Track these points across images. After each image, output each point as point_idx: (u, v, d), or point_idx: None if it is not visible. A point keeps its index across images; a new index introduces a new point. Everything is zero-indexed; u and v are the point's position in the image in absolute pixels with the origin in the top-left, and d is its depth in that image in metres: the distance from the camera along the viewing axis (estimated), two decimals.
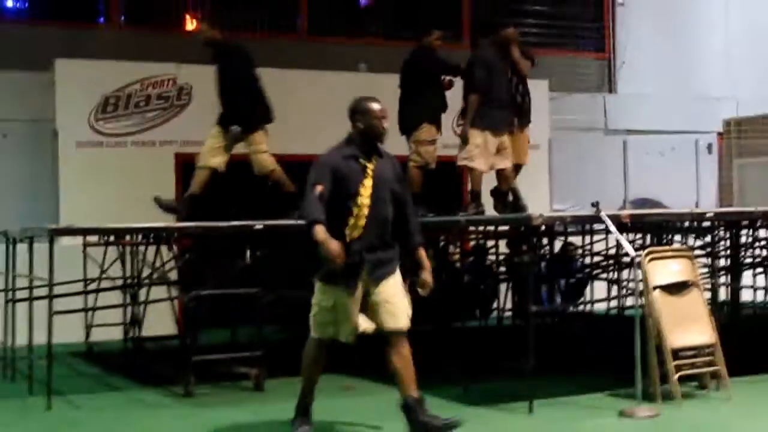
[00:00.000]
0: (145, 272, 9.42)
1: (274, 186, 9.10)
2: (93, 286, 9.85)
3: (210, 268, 8.33)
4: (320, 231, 5.65)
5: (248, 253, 8.44)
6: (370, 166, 5.99)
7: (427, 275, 6.11)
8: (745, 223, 10.50)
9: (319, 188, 5.80)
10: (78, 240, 9.53)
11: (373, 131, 6.07)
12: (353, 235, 5.87)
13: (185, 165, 10.99)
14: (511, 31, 9.73)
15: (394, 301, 5.99)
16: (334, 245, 5.65)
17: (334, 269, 5.74)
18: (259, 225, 7.89)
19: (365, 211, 5.90)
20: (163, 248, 9.07)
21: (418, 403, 5.97)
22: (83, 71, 11.76)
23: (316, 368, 6.12)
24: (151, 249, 9.22)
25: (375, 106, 6.12)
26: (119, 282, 9.88)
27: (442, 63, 9.78)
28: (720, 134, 14.97)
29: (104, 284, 9.88)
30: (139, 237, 9.26)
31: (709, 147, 14.53)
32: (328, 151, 6.11)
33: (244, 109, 8.94)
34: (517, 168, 9.76)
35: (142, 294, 9.79)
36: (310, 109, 12.07)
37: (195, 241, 8.79)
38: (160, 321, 9.80)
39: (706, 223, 10.48)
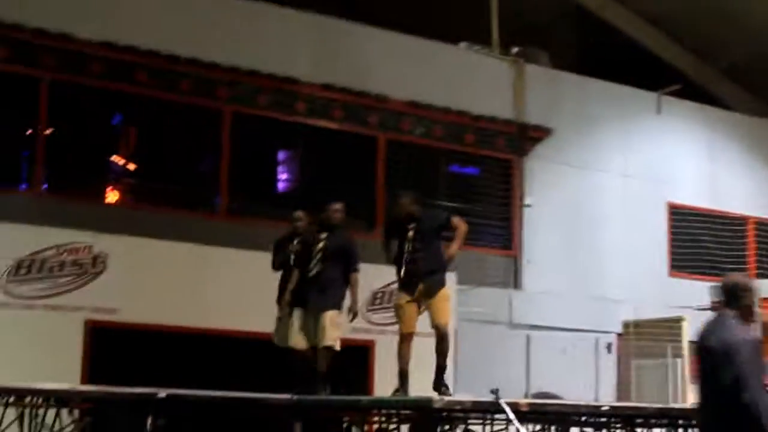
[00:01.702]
0: None
1: None
2: None
3: None
4: None
5: (150, 420, 8.42)
6: None
7: None
8: (639, 420, 10.79)
9: None
10: None
11: (753, 310, 5.58)
12: None
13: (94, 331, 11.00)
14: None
15: None
16: None
17: None
18: (162, 393, 7.93)
19: None
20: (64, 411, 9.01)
21: None
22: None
23: None
24: (52, 411, 9.13)
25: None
26: None
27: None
28: (619, 334, 15.48)
29: None
30: (39, 399, 9.17)
31: (609, 346, 14.98)
32: (733, 331, 5.50)
33: None
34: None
35: None
36: (226, 285, 12.20)
37: (95, 406, 8.76)
38: None
39: (603, 418, 10.73)
